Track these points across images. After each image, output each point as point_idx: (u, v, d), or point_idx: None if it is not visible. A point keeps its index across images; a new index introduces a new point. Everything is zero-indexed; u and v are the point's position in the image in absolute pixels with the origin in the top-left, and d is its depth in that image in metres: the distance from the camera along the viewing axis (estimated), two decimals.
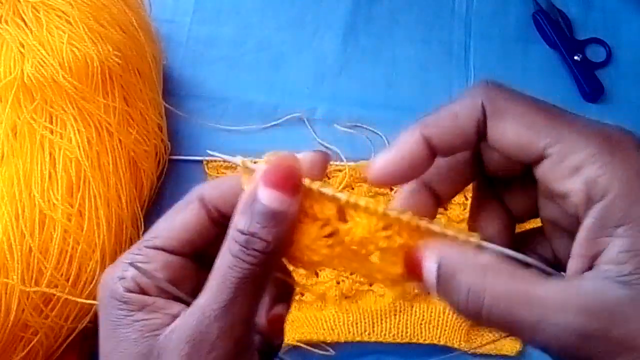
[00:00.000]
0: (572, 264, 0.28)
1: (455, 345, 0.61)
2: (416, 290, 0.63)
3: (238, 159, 0.32)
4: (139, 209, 0.59)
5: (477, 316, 0.28)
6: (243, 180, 0.31)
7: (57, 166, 0.53)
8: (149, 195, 0.62)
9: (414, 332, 0.61)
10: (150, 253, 0.32)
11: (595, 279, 0.26)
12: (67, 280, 0.52)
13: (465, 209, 0.65)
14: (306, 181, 0.30)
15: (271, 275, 0.31)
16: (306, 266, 0.32)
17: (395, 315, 0.61)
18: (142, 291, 0.31)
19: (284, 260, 0.32)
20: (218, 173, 0.65)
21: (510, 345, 0.62)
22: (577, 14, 0.76)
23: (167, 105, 0.66)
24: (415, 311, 0.62)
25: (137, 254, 0.32)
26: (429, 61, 0.73)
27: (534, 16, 0.75)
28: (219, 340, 0.29)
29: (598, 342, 0.25)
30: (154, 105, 0.62)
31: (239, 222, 0.29)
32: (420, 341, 0.61)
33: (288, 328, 0.61)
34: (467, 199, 0.65)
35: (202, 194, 0.33)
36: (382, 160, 0.31)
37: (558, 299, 0.26)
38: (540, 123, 0.29)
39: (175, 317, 0.30)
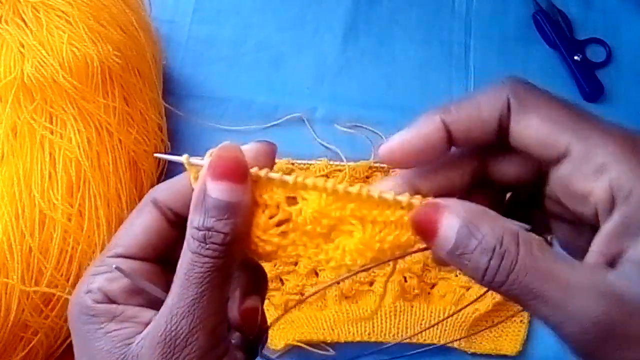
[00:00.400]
0: (592, 257, 0.27)
1: (455, 345, 0.61)
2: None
3: (182, 158, 0.32)
4: None
5: (499, 283, 0.27)
6: (191, 177, 0.31)
7: (57, 166, 0.53)
8: None
9: (414, 332, 0.61)
10: (112, 263, 0.32)
11: (620, 276, 0.26)
12: (67, 280, 0.52)
13: None
14: (254, 169, 0.30)
15: (234, 265, 0.30)
16: (261, 257, 0.31)
17: (395, 315, 0.61)
18: (110, 300, 0.31)
19: None
20: None
21: (510, 345, 0.62)
22: (577, 14, 0.76)
23: (167, 105, 0.66)
24: (415, 311, 0.62)
25: (99, 266, 0.32)
26: (429, 61, 0.73)
27: (534, 16, 0.75)
28: (191, 336, 0.29)
29: (614, 332, 0.26)
30: (154, 105, 0.62)
31: (194, 219, 0.29)
32: (420, 341, 0.61)
33: (288, 328, 0.61)
34: None
35: (155, 197, 0.33)
36: (399, 139, 0.30)
37: (585, 283, 0.26)
38: (564, 121, 0.29)
39: (146, 324, 0.30)
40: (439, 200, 0.29)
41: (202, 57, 0.73)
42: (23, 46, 0.53)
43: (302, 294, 0.62)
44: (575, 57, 0.72)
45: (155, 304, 0.31)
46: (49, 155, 0.53)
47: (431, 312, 0.62)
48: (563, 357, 0.63)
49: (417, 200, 0.29)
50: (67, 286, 0.51)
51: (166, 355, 0.29)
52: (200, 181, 0.30)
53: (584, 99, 0.72)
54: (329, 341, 0.61)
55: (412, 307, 0.62)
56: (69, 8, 0.54)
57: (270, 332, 0.45)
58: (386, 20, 0.75)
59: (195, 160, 0.31)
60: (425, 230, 0.29)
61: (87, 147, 0.53)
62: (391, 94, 0.72)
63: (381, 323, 0.61)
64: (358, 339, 0.61)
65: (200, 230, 0.29)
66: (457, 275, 0.64)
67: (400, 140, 0.30)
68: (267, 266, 0.53)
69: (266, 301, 0.53)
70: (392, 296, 0.61)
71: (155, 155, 0.36)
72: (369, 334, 0.61)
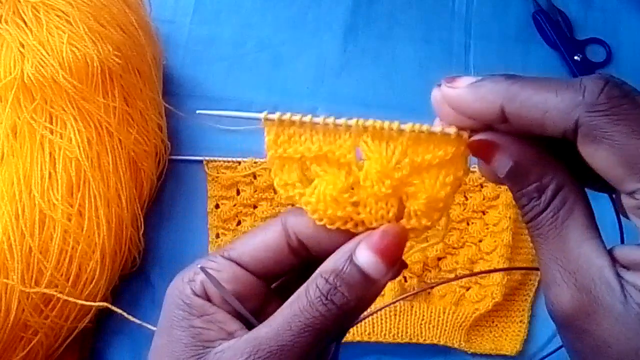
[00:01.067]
0: (618, 252, 0.28)
1: (455, 345, 0.61)
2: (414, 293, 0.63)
3: (261, 115, 0.32)
4: (139, 209, 0.59)
5: (525, 221, 0.29)
6: (267, 138, 0.32)
7: (57, 166, 0.52)
8: (149, 195, 0.62)
9: (414, 332, 0.61)
10: (223, 263, 0.32)
11: (609, 277, 0.27)
12: (67, 280, 0.52)
13: (465, 209, 0.65)
14: (320, 119, 0.31)
15: (338, 336, 0.31)
16: (328, 220, 0.31)
17: (395, 315, 0.61)
18: (208, 298, 0.31)
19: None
20: (218, 173, 0.65)
21: (510, 345, 0.62)
22: (577, 14, 0.76)
23: (167, 105, 0.66)
24: (415, 311, 0.62)
25: (211, 261, 0.32)
26: (429, 61, 0.73)
27: (534, 16, 0.75)
28: None
29: (582, 324, 0.27)
30: (154, 105, 0.62)
31: (327, 269, 0.29)
32: (420, 341, 0.61)
33: None
34: (467, 198, 0.65)
35: (287, 218, 0.33)
36: (461, 94, 0.29)
37: (582, 265, 0.27)
38: (635, 162, 0.26)
39: (230, 334, 0.30)
40: (492, 136, 0.29)
41: (202, 57, 0.73)
42: (23, 46, 0.53)
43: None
44: (575, 57, 0.72)
45: (245, 318, 0.31)
46: (49, 155, 0.53)
47: (431, 312, 0.62)
48: (563, 357, 0.63)
49: (465, 133, 0.30)
50: (67, 286, 0.51)
51: None
52: (352, 243, 0.30)
53: None
54: None
55: (412, 307, 0.62)
56: (69, 8, 0.54)
57: None
58: (386, 20, 0.75)
59: (272, 116, 0.32)
60: (480, 158, 0.30)
61: (87, 147, 0.53)
62: (391, 94, 0.72)
63: (381, 323, 0.61)
64: (358, 339, 0.61)
65: (328, 283, 0.29)
66: (457, 276, 0.64)
67: (456, 98, 0.29)
68: None
69: None
70: (392, 296, 0.61)
71: (201, 112, 0.35)
72: (369, 334, 0.61)
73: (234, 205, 0.65)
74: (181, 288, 0.32)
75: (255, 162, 0.65)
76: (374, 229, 0.31)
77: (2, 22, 0.54)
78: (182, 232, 0.65)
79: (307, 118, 0.31)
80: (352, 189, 0.31)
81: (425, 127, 0.30)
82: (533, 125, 0.27)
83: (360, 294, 0.29)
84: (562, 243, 0.27)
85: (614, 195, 0.31)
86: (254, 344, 0.29)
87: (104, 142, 0.55)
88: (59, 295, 0.51)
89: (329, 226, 0.31)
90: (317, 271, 0.30)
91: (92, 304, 0.53)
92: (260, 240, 0.33)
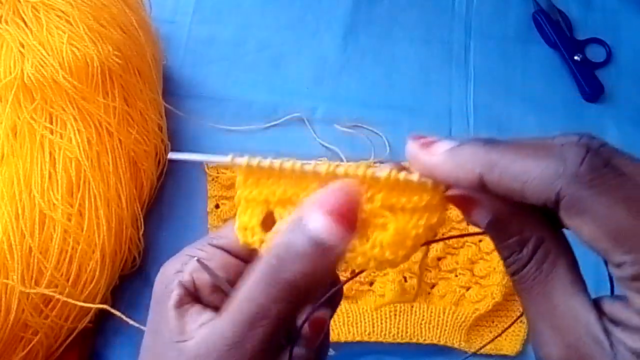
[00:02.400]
0: (608, 306, 0.27)
1: (455, 345, 0.61)
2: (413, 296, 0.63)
3: (227, 158, 0.31)
4: (139, 209, 0.59)
5: (511, 271, 0.28)
6: (238, 179, 0.31)
7: (57, 166, 0.52)
8: (149, 195, 0.62)
9: (414, 332, 0.61)
10: (212, 251, 0.32)
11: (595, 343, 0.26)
12: (67, 280, 0.52)
13: None
14: (261, 161, 0.30)
15: (299, 312, 0.29)
16: None
17: (395, 315, 0.61)
18: (195, 288, 0.31)
19: None
20: (218, 173, 0.65)
21: (510, 345, 0.62)
22: (577, 14, 0.76)
23: (167, 105, 0.66)
24: (415, 311, 0.62)
25: (199, 249, 0.32)
26: (429, 61, 0.73)
27: (534, 16, 0.75)
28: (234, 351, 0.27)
29: None
30: (154, 105, 0.62)
31: (279, 245, 0.27)
32: (420, 341, 0.61)
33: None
34: None
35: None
36: (432, 160, 0.28)
37: (568, 317, 0.26)
38: (623, 234, 0.25)
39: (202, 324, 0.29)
40: (469, 192, 0.28)
41: (202, 57, 0.73)
42: (23, 46, 0.53)
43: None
44: (575, 57, 0.72)
45: None
46: (49, 155, 0.53)
47: (431, 312, 0.62)
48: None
49: (441, 186, 0.29)
50: (67, 286, 0.51)
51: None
52: (304, 205, 0.28)
53: (584, 99, 0.72)
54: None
55: (412, 307, 0.62)
56: (69, 8, 0.54)
57: None
58: (386, 20, 0.75)
59: (239, 160, 0.30)
60: (460, 210, 0.29)
61: (87, 147, 0.53)
62: (391, 94, 0.72)
63: (381, 323, 0.61)
64: (358, 338, 0.61)
65: (277, 258, 0.27)
66: (457, 276, 0.64)
67: (433, 167, 0.28)
68: None
69: None
70: (392, 296, 0.61)
71: (170, 156, 0.34)
72: (369, 334, 0.61)
73: (234, 205, 0.65)
74: (170, 278, 0.31)
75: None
76: None
77: (2, 22, 0.54)
78: (182, 232, 0.65)
79: (276, 163, 0.29)
80: None
81: (402, 175, 0.29)
82: (513, 194, 0.26)
83: (318, 265, 0.27)
84: (547, 299, 0.27)
85: None
86: (208, 342, 0.28)
87: (104, 142, 0.55)
88: (58, 295, 0.51)
89: None
90: (268, 246, 0.28)
91: (92, 305, 0.53)
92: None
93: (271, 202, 0.30)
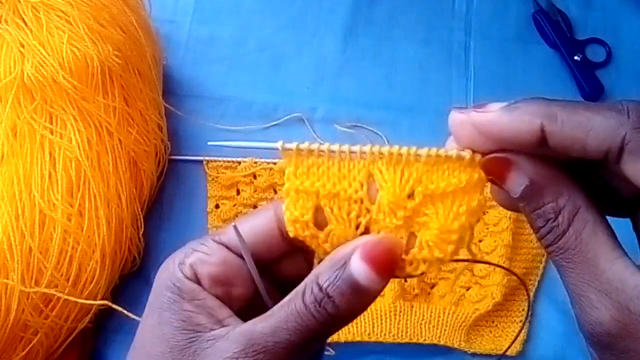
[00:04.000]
0: None
1: (455, 345, 0.61)
2: (416, 291, 0.63)
3: (277, 144, 0.31)
4: (139, 209, 0.59)
5: (544, 245, 0.28)
6: (286, 167, 0.31)
7: (57, 166, 0.52)
8: (149, 195, 0.62)
9: (414, 332, 0.61)
10: (213, 246, 0.33)
11: None
12: (67, 280, 0.52)
13: None
14: (325, 145, 0.30)
15: (329, 335, 0.31)
16: None
17: (395, 315, 0.61)
18: (197, 281, 0.32)
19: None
20: (218, 173, 0.65)
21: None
22: (577, 14, 0.76)
23: (167, 105, 0.66)
24: (415, 311, 0.62)
25: (201, 244, 0.33)
26: (429, 61, 0.73)
27: (534, 16, 0.75)
28: None
29: (619, 343, 0.27)
30: (154, 105, 0.62)
31: (322, 276, 0.29)
32: (420, 341, 0.61)
33: None
34: None
35: (279, 205, 0.33)
36: (487, 120, 0.28)
37: (613, 284, 0.27)
38: None
39: (219, 321, 0.30)
40: (507, 155, 0.29)
41: (202, 57, 0.73)
42: (23, 46, 0.53)
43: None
44: (575, 57, 0.72)
45: (233, 302, 0.32)
46: (49, 155, 0.53)
47: (431, 312, 0.62)
48: (563, 357, 0.63)
49: (478, 156, 0.29)
50: (67, 286, 0.51)
51: None
52: (348, 248, 0.30)
53: (584, 99, 0.72)
54: (329, 341, 0.61)
55: (412, 307, 0.62)
56: (69, 8, 0.54)
57: None
58: (386, 20, 0.75)
59: (289, 145, 0.31)
60: (495, 178, 0.29)
61: (87, 147, 0.53)
62: (391, 94, 0.72)
63: (381, 323, 0.61)
64: (358, 338, 0.61)
65: (321, 290, 0.29)
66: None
67: (489, 123, 0.28)
68: None
69: None
70: (392, 296, 0.61)
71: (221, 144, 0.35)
72: (369, 334, 0.61)
73: (234, 205, 0.65)
74: (172, 270, 0.32)
75: (255, 162, 0.65)
76: None
77: (2, 22, 0.54)
78: (182, 232, 0.65)
79: (325, 147, 0.30)
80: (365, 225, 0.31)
81: (442, 151, 0.30)
82: (575, 146, 0.27)
83: (352, 303, 0.29)
84: (591, 266, 0.27)
85: (635, 219, 0.31)
86: (249, 338, 0.29)
87: (104, 142, 0.55)
88: (59, 295, 0.51)
89: None
90: (314, 272, 0.30)
91: (93, 302, 0.53)
92: (251, 225, 0.33)
93: (321, 196, 0.31)
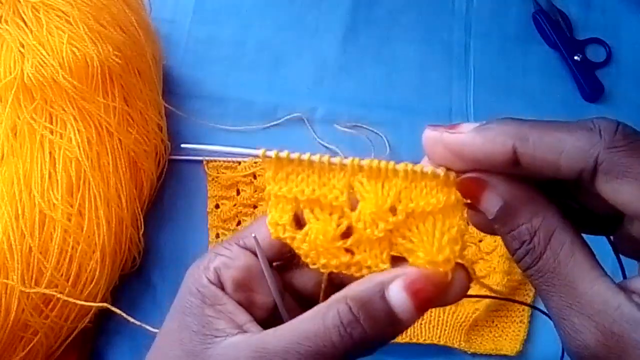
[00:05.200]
0: (629, 283, 0.28)
1: (455, 345, 0.61)
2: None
3: (259, 152, 0.32)
4: (139, 209, 0.59)
5: (522, 268, 0.28)
6: (267, 175, 0.32)
7: (57, 166, 0.52)
8: (149, 195, 0.62)
9: (414, 332, 0.61)
10: (237, 251, 0.33)
11: (631, 315, 0.26)
12: (67, 280, 0.52)
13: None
14: (305, 155, 0.31)
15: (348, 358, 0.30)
16: (322, 267, 0.32)
17: None
18: (221, 286, 0.32)
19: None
20: (218, 173, 0.65)
21: (510, 346, 0.62)
22: (577, 14, 0.76)
23: (167, 105, 0.66)
24: None
25: (225, 248, 0.33)
26: (429, 61, 0.73)
27: (534, 16, 0.75)
28: None
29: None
30: (154, 105, 0.62)
31: (354, 299, 0.29)
32: (420, 341, 0.61)
33: None
34: None
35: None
36: (457, 141, 0.28)
37: (595, 306, 0.26)
38: None
39: (239, 326, 0.31)
40: (481, 175, 0.28)
41: (202, 57, 0.73)
42: (23, 46, 0.53)
43: None
44: (575, 57, 0.72)
45: (255, 308, 0.32)
46: (49, 155, 0.53)
47: (431, 312, 0.62)
48: (563, 357, 0.63)
49: (452, 174, 0.29)
50: (67, 286, 0.51)
51: None
52: (386, 275, 0.30)
53: (584, 99, 0.72)
54: None
55: None
56: (69, 8, 0.54)
57: None
58: (386, 20, 0.75)
59: (270, 153, 0.31)
60: (470, 199, 0.29)
61: (87, 147, 0.53)
62: (391, 94, 0.72)
63: None
64: None
65: (352, 312, 0.28)
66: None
67: (461, 144, 0.28)
68: None
69: None
70: None
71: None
72: None
73: (234, 205, 0.65)
74: (197, 276, 0.32)
75: (255, 162, 0.65)
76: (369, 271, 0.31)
77: (2, 22, 0.54)
78: (182, 232, 0.65)
79: (305, 156, 0.31)
80: (345, 234, 0.31)
81: (418, 167, 0.30)
82: (548, 167, 0.27)
83: (381, 332, 0.28)
84: (571, 289, 0.27)
85: (612, 238, 0.31)
86: (259, 353, 0.29)
87: (104, 142, 0.55)
88: (59, 295, 0.51)
89: (322, 271, 0.32)
90: (341, 293, 0.29)
91: (92, 304, 0.53)
92: (265, 232, 0.33)
93: (300, 201, 0.32)
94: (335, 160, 0.31)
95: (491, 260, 0.63)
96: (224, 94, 0.71)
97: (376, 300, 0.28)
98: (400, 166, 0.30)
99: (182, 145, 0.36)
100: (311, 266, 0.32)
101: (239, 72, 0.72)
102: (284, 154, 0.31)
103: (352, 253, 0.31)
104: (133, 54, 0.58)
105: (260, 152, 0.31)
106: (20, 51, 0.53)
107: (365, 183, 0.30)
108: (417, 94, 0.72)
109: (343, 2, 0.76)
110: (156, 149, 0.62)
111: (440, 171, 0.29)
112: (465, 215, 0.30)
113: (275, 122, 0.69)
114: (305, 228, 0.31)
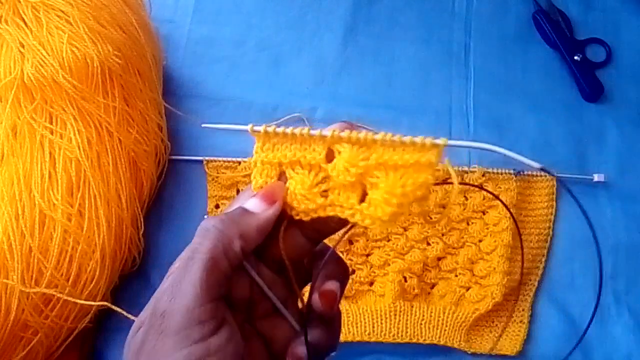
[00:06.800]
0: None
1: (455, 345, 0.61)
2: (416, 291, 0.63)
3: (247, 127, 0.36)
4: (139, 209, 0.59)
5: None
6: (256, 145, 0.36)
7: (57, 166, 0.52)
8: (149, 195, 0.62)
9: (414, 332, 0.61)
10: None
11: None
12: (67, 280, 0.52)
13: (465, 208, 0.65)
14: (298, 129, 0.35)
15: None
16: (303, 214, 0.35)
17: (395, 315, 0.61)
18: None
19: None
20: (218, 173, 0.65)
21: (510, 345, 0.62)
22: (577, 14, 0.76)
23: (167, 105, 0.66)
24: (415, 311, 0.62)
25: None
26: (429, 61, 0.73)
27: (534, 16, 0.75)
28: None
29: None
30: (154, 105, 0.62)
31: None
32: (420, 341, 0.61)
33: None
34: (467, 198, 0.65)
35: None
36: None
37: None
38: None
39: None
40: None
41: (202, 57, 0.73)
42: (23, 46, 0.53)
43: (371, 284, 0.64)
44: (575, 57, 0.72)
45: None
46: (49, 155, 0.53)
47: (431, 312, 0.62)
48: (562, 358, 0.63)
49: (431, 140, 0.32)
50: (67, 286, 0.51)
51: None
52: (246, 193, 0.36)
53: (584, 99, 0.72)
54: None
55: (412, 307, 0.62)
56: (69, 8, 0.54)
57: None
58: (386, 20, 0.75)
59: (257, 128, 0.36)
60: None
61: (87, 147, 0.53)
62: (391, 94, 0.72)
63: (381, 323, 0.61)
64: (358, 339, 0.61)
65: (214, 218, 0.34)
66: (457, 276, 0.64)
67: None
68: None
69: None
70: (392, 296, 0.61)
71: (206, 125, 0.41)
72: (369, 334, 0.61)
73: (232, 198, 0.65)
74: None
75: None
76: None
77: (2, 22, 0.54)
78: (182, 232, 0.65)
79: (288, 130, 0.35)
80: (322, 182, 0.35)
81: (397, 137, 0.32)
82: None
83: (243, 225, 0.33)
84: None
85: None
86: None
87: (104, 142, 0.55)
88: (59, 295, 0.51)
89: (304, 218, 0.35)
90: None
91: (92, 303, 0.53)
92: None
93: (283, 164, 0.36)
94: (316, 132, 0.34)
95: (491, 260, 0.63)
96: (223, 94, 0.71)
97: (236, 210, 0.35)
98: (379, 135, 0.32)
99: (203, 125, 0.42)
100: (295, 216, 0.35)
101: (239, 72, 0.72)
102: (270, 128, 0.35)
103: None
104: (133, 54, 0.58)
105: (248, 127, 0.36)
106: (20, 51, 0.53)
107: (345, 146, 0.34)
108: (417, 94, 0.72)
109: (343, 1, 0.76)
110: (156, 149, 0.62)
111: (419, 140, 0.32)
112: (433, 178, 0.32)
113: (275, 122, 0.69)
114: (287, 184, 0.35)
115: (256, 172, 0.36)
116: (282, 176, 0.36)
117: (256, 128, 0.36)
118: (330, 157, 0.34)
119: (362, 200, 0.33)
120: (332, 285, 0.35)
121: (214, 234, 0.33)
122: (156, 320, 0.31)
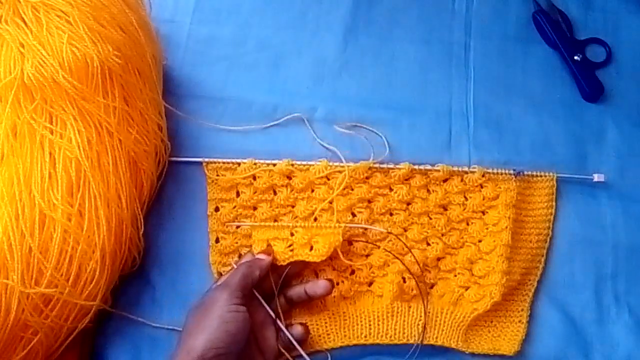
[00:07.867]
0: None
1: (454, 346, 0.61)
2: (414, 292, 0.63)
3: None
4: (139, 209, 0.59)
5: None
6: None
7: (57, 166, 0.52)
8: (149, 195, 0.62)
9: (413, 332, 0.61)
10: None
11: None
12: (67, 280, 0.52)
13: (464, 209, 0.65)
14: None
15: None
16: (282, 261, 0.57)
17: (392, 316, 0.61)
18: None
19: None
20: (217, 174, 0.65)
21: (509, 346, 0.62)
22: (577, 14, 0.76)
23: (167, 105, 0.66)
24: (413, 312, 0.62)
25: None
26: (429, 61, 0.73)
27: (534, 16, 0.75)
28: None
29: None
30: (154, 105, 0.62)
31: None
32: (418, 342, 0.61)
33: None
34: (466, 198, 0.65)
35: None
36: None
37: None
38: None
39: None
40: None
41: (202, 57, 0.73)
42: (23, 46, 0.53)
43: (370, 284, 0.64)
44: (575, 57, 0.73)
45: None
46: (49, 155, 0.53)
47: (429, 312, 0.62)
48: (563, 357, 0.63)
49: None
50: (67, 286, 0.52)
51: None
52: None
53: (584, 99, 0.72)
54: (325, 346, 0.61)
55: (410, 307, 0.62)
56: (69, 8, 0.54)
57: None
58: (386, 20, 0.75)
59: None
60: None
61: (87, 147, 0.53)
62: (391, 94, 0.72)
63: (378, 324, 0.61)
64: (354, 342, 0.61)
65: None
66: (455, 276, 0.64)
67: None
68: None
69: (334, 291, 0.61)
70: (390, 297, 0.61)
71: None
72: (365, 337, 0.61)
73: (234, 208, 0.65)
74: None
75: (254, 164, 0.65)
76: None
77: (2, 22, 0.54)
78: (182, 232, 0.65)
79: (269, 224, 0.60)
80: (288, 247, 0.61)
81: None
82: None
83: (258, 263, 0.59)
84: None
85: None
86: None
87: (104, 142, 0.55)
88: (59, 295, 0.51)
89: (282, 263, 0.61)
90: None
91: (93, 303, 0.53)
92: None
93: (269, 239, 0.62)
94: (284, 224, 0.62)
95: (490, 260, 0.63)
96: (223, 94, 0.71)
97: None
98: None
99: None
100: (276, 262, 0.61)
101: (239, 72, 0.72)
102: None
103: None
104: (133, 54, 0.58)
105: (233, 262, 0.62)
106: (20, 51, 0.53)
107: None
108: (417, 94, 0.72)
109: (343, 1, 0.76)
110: (156, 149, 0.62)
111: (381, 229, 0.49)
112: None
113: (275, 122, 0.69)
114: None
115: (255, 245, 0.62)
116: (268, 246, 0.62)
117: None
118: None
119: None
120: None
121: (246, 266, 0.58)
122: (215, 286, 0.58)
